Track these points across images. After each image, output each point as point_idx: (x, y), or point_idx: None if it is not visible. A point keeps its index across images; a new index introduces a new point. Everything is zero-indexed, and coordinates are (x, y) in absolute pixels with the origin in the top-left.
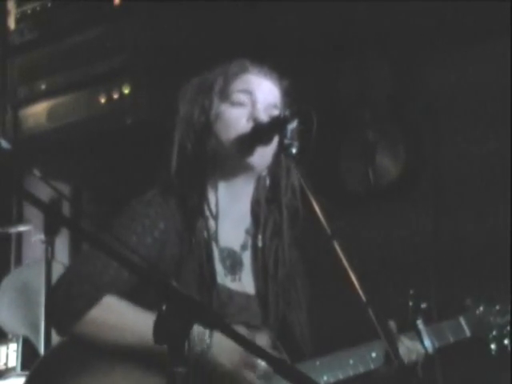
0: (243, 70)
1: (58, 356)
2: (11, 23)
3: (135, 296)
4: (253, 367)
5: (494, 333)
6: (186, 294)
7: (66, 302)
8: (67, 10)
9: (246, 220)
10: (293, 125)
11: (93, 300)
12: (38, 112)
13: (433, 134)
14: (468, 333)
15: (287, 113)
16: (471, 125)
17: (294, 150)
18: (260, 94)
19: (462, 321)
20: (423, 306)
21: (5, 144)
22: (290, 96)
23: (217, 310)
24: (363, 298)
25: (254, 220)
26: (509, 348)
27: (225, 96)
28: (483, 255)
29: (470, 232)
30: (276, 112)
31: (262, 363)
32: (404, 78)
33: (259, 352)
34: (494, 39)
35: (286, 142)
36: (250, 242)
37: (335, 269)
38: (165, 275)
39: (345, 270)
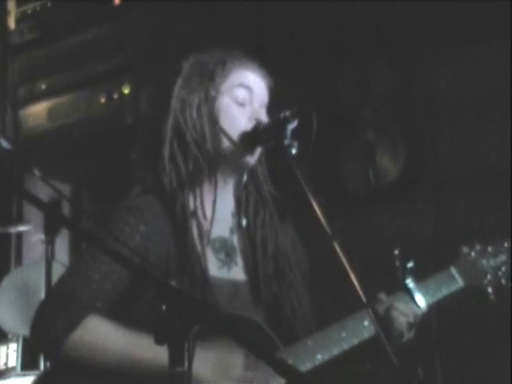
0: (241, 64)
1: (49, 378)
2: (11, 23)
3: (121, 307)
4: (235, 378)
5: (489, 276)
6: (186, 294)
7: (49, 326)
8: (67, 10)
9: (231, 204)
10: (293, 125)
11: (76, 321)
12: (37, 112)
13: (433, 133)
14: (461, 282)
15: (287, 113)
16: (471, 124)
17: (293, 150)
18: (257, 91)
19: (454, 270)
20: (410, 264)
21: (5, 144)
22: (273, 95)
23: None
24: (363, 298)
25: (237, 201)
26: (508, 286)
27: (226, 89)
28: None
29: (470, 232)
30: (264, 112)
31: (245, 375)
32: (404, 77)
33: (258, 352)
34: (494, 39)
35: (286, 142)
36: (237, 225)
37: (335, 269)
38: (165, 275)
39: (345, 270)
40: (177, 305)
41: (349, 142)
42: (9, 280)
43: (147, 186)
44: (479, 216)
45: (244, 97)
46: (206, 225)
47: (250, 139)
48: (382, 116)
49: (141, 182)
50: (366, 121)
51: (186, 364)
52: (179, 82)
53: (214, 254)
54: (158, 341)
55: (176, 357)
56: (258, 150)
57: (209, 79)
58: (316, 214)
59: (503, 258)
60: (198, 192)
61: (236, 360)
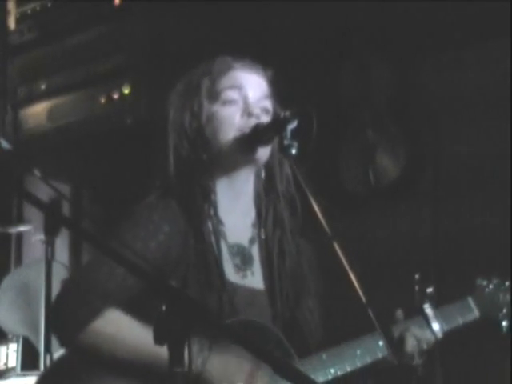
0: (228, 67)
1: (62, 368)
2: (11, 23)
3: (139, 303)
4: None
5: (505, 310)
6: (185, 295)
7: (69, 313)
8: (67, 10)
9: (251, 214)
10: (293, 125)
11: (97, 311)
12: (37, 112)
13: (433, 134)
14: (477, 313)
15: (287, 113)
16: (471, 125)
17: (293, 151)
18: (249, 87)
19: (471, 301)
20: (429, 290)
21: (5, 144)
22: (277, 85)
23: (227, 309)
24: (363, 298)
25: (257, 213)
26: None
27: (214, 96)
28: (483, 255)
29: (469, 232)
30: (267, 102)
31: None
32: (404, 78)
33: (260, 353)
34: (494, 39)
35: (286, 142)
36: (257, 236)
37: (335, 269)
38: (165, 275)
39: (345, 270)
40: (177, 305)
41: (349, 142)
42: (9, 280)
43: (166, 189)
44: (479, 216)
45: (234, 97)
46: (222, 229)
47: (249, 140)
48: (382, 116)
49: (160, 184)
50: (366, 121)
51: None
52: (170, 105)
53: (231, 259)
54: (158, 341)
55: (176, 357)
56: (266, 152)
57: (195, 94)
58: (316, 214)
59: None
60: (208, 197)
61: (243, 366)
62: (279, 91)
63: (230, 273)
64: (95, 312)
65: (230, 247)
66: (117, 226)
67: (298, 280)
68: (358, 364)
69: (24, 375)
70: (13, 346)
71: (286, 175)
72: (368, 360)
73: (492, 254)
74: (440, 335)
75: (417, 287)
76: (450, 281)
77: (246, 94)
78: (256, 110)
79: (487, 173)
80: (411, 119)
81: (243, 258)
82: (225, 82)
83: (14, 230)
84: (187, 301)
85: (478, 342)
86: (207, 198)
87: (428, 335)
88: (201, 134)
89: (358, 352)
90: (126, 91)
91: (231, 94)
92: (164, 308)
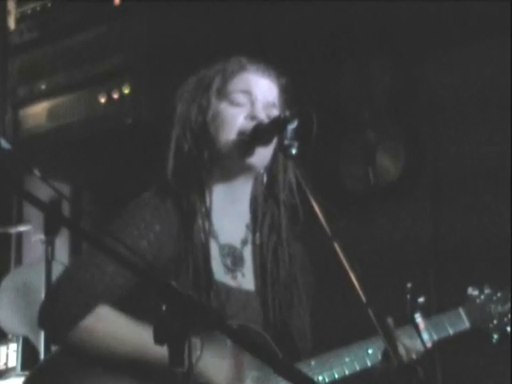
0: (241, 68)
1: (51, 366)
2: (11, 23)
3: (130, 302)
4: (241, 382)
5: (495, 322)
6: (185, 294)
7: (60, 310)
8: (67, 10)
9: (246, 216)
10: (293, 125)
11: (87, 308)
12: (38, 112)
13: (433, 133)
14: (468, 324)
15: (287, 113)
16: (471, 125)
17: (293, 151)
18: (259, 92)
19: (462, 312)
20: (421, 299)
21: (5, 144)
22: (288, 93)
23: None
24: (363, 298)
25: (253, 217)
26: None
27: (223, 95)
28: (483, 255)
29: (469, 232)
30: (275, 110)
31: (249, 378)
32: (404, 77)
33: (258, 352)
34: (494, 39)
35: (286, 142)
36: (250, 237)
37: (335, 269)
38: (164, 275)
39: (345, 270)
40: (177, 305)
41: (349, 142)
42: (9, 280)
43: (162, 187)
44: (479, 216)
45: (242, 100)
46: (214, 229)
47: (249, 140)
48: (382, 116)
49: (157, 181)
50: (366, 121)
51: (187, 364)
52: (179, 98)
53: (222, 259)
54: (158, 340)
55: (176, 357)
56: (268, 151)
57: (205, 90)
58: (316, 214)
59: (510, 305)
60: (202, 195)
61: (232, 365)
62: (290, 99)
63: (220, 273)
64: (86, 310)
65: (221, 247)
66: (109, 223)
67: (290, 288)
68: (347, 371)
69: (24, 375)
70: (13, 346)
71: (289, 182)
72: (357, 367)
73: (492, 254)
74: (429, 345)
75: (409, 296)
76: (449, 281)
77: (255, 98)
78: (261, 115)
79: (487, 173)
80: (411, 119)
81: (234, 259)
82: (236, 83)
83: (14, 230)
84: (187, 300)
85: (477, 343)
86: (201, 195)
87: (417, 345)
88: (204, 130)
89: (347, 359)
90: (126, 91)
91: (240, 97)
92: (164, 308)
